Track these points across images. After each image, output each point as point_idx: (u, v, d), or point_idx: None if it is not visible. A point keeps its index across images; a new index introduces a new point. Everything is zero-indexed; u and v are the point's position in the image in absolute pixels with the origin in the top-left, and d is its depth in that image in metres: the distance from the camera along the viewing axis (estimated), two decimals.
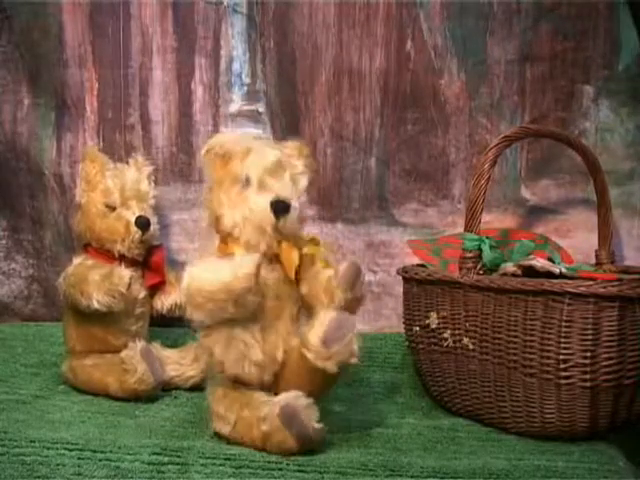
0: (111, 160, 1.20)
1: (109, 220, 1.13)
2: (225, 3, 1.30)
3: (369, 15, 1.28)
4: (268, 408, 0.84)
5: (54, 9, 1.30)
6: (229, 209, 0.90)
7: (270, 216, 0.87)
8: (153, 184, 1.20)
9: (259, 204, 0.88)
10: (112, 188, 1.14)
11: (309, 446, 0.84)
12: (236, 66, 1.32)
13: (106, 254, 1.13)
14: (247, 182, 0.90)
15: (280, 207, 0.88)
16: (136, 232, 1.12)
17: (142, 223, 1.13)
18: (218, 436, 0.90)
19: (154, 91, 1.33)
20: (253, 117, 1.32)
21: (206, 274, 0.84)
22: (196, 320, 0.86)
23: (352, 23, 1.29)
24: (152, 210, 1.18)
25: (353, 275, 0.90)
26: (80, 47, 1.32)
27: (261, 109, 1.32)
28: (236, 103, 1.32)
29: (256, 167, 0.90)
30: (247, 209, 0.89)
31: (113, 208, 1.14)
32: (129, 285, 1.07)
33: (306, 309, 0.92)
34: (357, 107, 1.30)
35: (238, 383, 0.89)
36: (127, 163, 1.20)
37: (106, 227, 1.13)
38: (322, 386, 0.88)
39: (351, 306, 0.90)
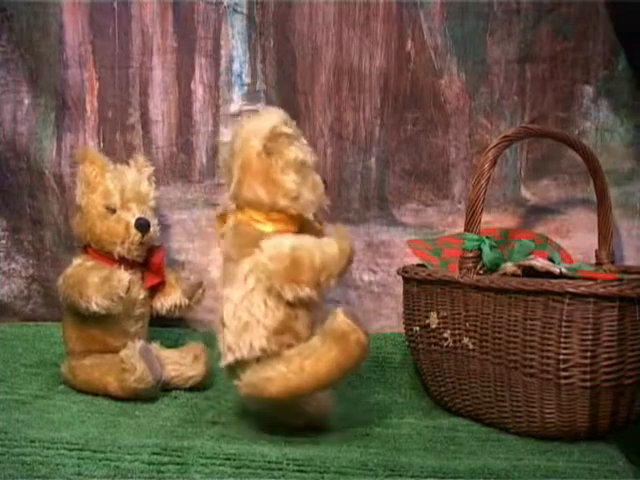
0: (111, 161, 1.20)
1: (109, 222, 1.13)
2: (225, 3, 1.30)
3: (369, 15, 1.28)
4: None
5: (54, 9, 1.30)
6: (304, 188, 0.94)
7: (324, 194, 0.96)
8: (153, 185, 1.20)
9: (318, 182, 0.96)
10: (112, 190, 1.14)
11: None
12: (236, 66, 1.32)
13: (106, 255, 1.13)
14: (304, 164, 0.95)
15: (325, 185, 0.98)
16: (136, 234, 1.12)
17: (142, 225, 1.12)
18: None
19: (154, 91, 1.33)
20: None
21: (312, 245, 0.87)
22: (290, 294, 0.87)
23: (352, 23, 1.29)
24: (152, 211, 1.18)
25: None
26: (80, 47, 1.32)
27: (261, 109, 1.32)
28: (236, 103, 1.32)
29: (308, 151, 0.97)
30: (311, 187, 0.95)
31: (113, 210, 1.13)
32: (128, 288, 1.07)
33: None
34: (357, 107, 1.30)
35: None
36: (127, 164, 1.20)
37: (106, 229, 1.13)
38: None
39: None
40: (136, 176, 1.17)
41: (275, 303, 0.88)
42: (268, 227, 0.93)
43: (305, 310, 0.89)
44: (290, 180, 0.93)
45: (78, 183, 1.17)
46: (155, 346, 1.13)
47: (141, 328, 1.15)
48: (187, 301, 1.17)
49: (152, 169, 1.21)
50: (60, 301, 1.14)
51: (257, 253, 0.89)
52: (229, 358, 0.90)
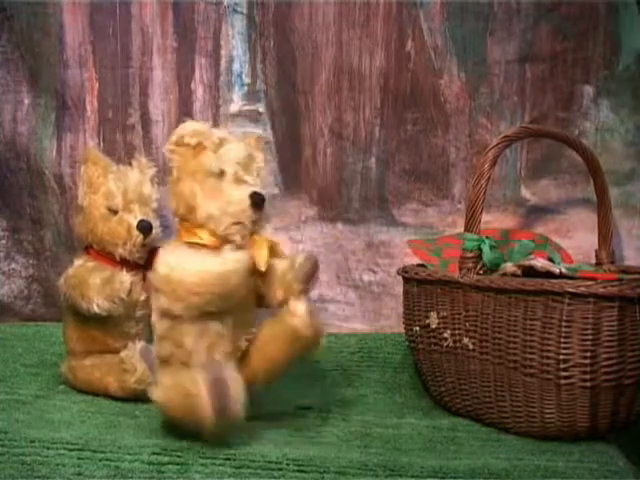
0: (113, 161, 1.19)
1: (111, 224, 1.12)
2: (225, 3, 1.30)
3: (369, 15, 1.28)
4: (196, 374, 0.85)
5: (54, 9, 1.30)
6: (204, 200, 0.90)
7: (249, 208, 0.89)
8: (156, 186, 1.20)
9: (237, 197, 0.90)
10: (115, 191, 1.13)
11: (226, 415, 0.83)
12: (236, 66, 1.32)
13: (107, 256, 1.13)
14: (222, 174, 0.91)
15: (258, 200, 0.90)
16: (138, 236, 1.11)
17: (144, 227, 1.12)
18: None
19: (154, 91, 1.33)
20: (253, 117, 1.32)
21: (192, 265, 0.86)
22: (171, 310, 0.87)
23: (352, 23, 1.29)
24: (154, 213, 1.17)
25: (311, 268, 0.93)
26: (80, 47, 1.32)
27: (261, 109, 1.32)
28: (236, 103, 1.32)
29: (231, 160, 0.91)
30: (225, 201, 0.90)
31: (115, 211, 1.13)
32: (130, 290, 1.07)
33: (259, 299, 0.95)
34: (357, 107, 1.30)
35: None
36: (130, 164, 1.19)
37: (108, 230, 1.12)
38: (296, 355, 0.90)
39: (300, 297, 0.92)
40: (139, 177, 1.17)
41: (159, 314, 0.91)
42: (187, 239, 0.92)
43: (189, 323, 0.88)
44: (185, 192, 0.92)
45: (80, 184, 1.16)
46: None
47: (142, 329, 1.15)
48: None
49: (155, 170, 1.21)
50: (61, 301, 1.14)
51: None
52: None
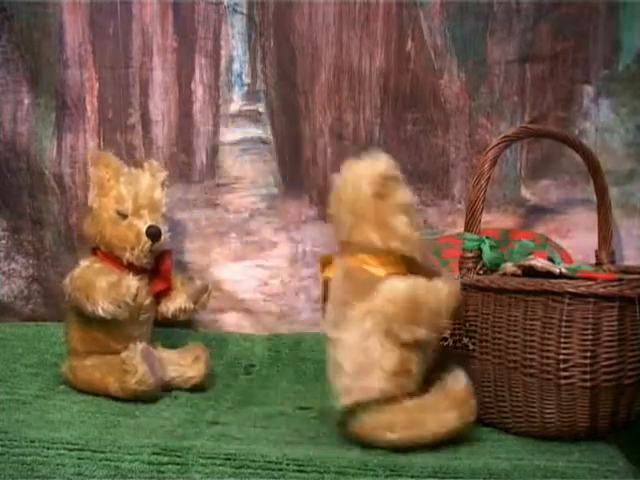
0: (125, 164, 1.18)
1: (120, 228, 1.12)
2: (225, 3, 1.30)
3: (369, 15, 1.28)
4: None
5: (54, 9, 1.30)
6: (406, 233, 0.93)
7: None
8: (165, 190, 1.18)
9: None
10: (125, 195, 1.13)
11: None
12: (236, 66, 1.32)
13: (115, 259, 1.12)
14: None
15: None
16: (146, 242, 1.11)
17: (153, 233, 1.11)
18: None
19: (154, 91, 1.33)
20: (253, 117, 1.32)
21: (431, 289, 0.88)
22: (405, 337, 0.88)
23: (352, 23, 1.29)
24: (163, 218, 1.16)
25: None
26: (80, 47, 1.32)
27: (261, 109, 1.32)
28: (236, 103, 1.32)
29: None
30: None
31: (125, 215, 1.12)
32: (135, 296, 1.06)
33: None
34: (357, 107, 1.30)
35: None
36: (141, 167, 1.18)
37: (117, 234, 1.11)
38: None
39: None
40: (150, 181, 1.16)
41: (391, 345, 0.88)
42: (380, 270, 0.93)
43: (421, 352, 0.90)
44: (402, 223, 0.93)
45: (91, 185, 1.15)
46: (156, 347, 1.13)
47: (145, 332, 1.15)
48: (192, 305, 1.16)
49: (165, 174, 1.20)
50: (62, 300, 1.14)
51: (374, 296, 0.89)
52: (346, 400, 0.89)
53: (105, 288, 1.05)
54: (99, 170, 1.14)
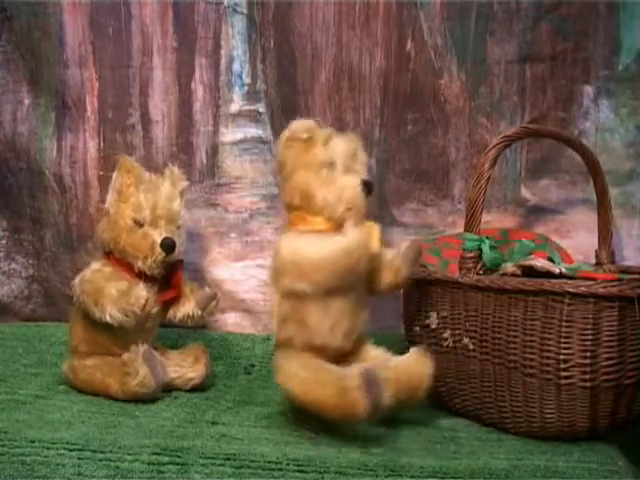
0: (147, 171, 1.16)
1: (135, 236, 1.10)
2: (225, 3, 1.30)
3: (369, 15, 1.28)
4: (349, 370, 0.89)
5: (54, 9, 1.30)
6: (320, 189, 0.98)
7: (361, 194, 0.97)
8: (184, 201, 1.17)
9: (350, 184, 0.98)
10: (144, 204, 1.11)
11: (375, 415, 0.88)
12: (236, 66, 1.32)
13: (127, 265, 1.11)
14: (332, 165, 1.00)
15: (370, 186, 0.98)
16: (160, 254, 1.09)
17: (168, 245, 1.10)
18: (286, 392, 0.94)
19: (154, 91, 1.33)
20: (253, 117, 1.32)
21: (316, 244, 0.92)
22: (296, 289, 0.93)
23: (352, 23, 1.29)
24: (179, 230, 1.14)
25: (415, 252, 1.01)
26: (80, 47, 1.32)
27: (261, 109, 1.32)
28: (236, 103, 1.32)
29: (339, 152, 1.00)
30: (339, 188, 0.98)
31: (141, 224, 1.11)
32: (144, 306, 1.06)
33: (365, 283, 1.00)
34: (357, 107, 1.30)
35: (315, 353, 0.95)
36: (162, 174, 1.17)
37: (131, 242, 1.10)
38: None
39: (406, 282, 1.02)
40: (170, 191, 1.14)
41: (280, 296, 0.97)
42: (302, 227, 0.99)
43: (313, 302, 0.94)
44: (301, 183, 0.99)
45: (110, 189, 1.14)
46: (157, 347, 1.13)
47: (148, 337, 1.13)
48: (200, 312, 1.15)
49: (186, 184, 1.18)
50: (73, 301, 1.12)
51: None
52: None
53: (115, 296, 1.04)
54: (120, 176, 1.13)
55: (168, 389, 1.11)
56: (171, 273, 1.14)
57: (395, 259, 1.00)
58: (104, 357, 1.10)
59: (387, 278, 1.01)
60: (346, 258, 0.91)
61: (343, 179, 0.99)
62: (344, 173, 1.00)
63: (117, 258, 1.12)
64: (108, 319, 1.04)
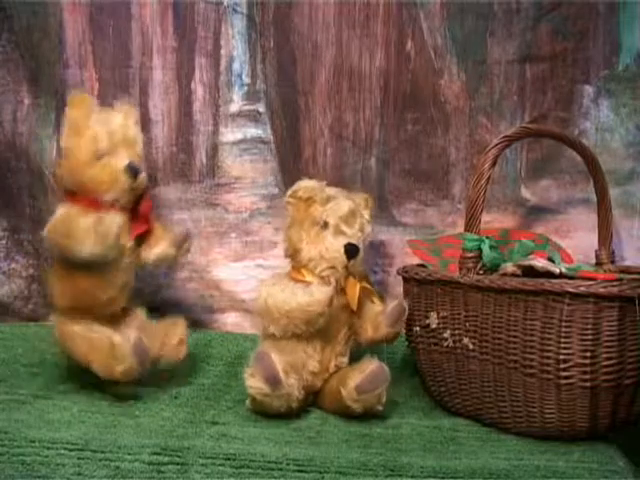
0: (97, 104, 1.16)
1: (96, 168, 1.08)
2: (225, 3, 1.30)
3: (369, 15, 1.28)
4: None
5: (54, 9, 1.30)
6: (307, 245, 1.07)
7: (343, 257, 1.05)
8: (139, 129, 1.16)
9: (334, 245, 1.06)
10: (100, 135, 1.09)
11: None
12: (236, 66, 1.32)
13: (92, 201, 1.08)
14: (325, 225, 1.07)
15: (352, 251, 1.05)
16: (126, 180, 1.08)
17: (132, 169, 1.08)
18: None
19: (154, 91, 1.33)
20: (253, 117, 1.32)
21: (284, 294, 1.02)
22: (269, 331, 1.04)
23: (352, 23, 1.29)
24: (140, 158, 1.13)
25: (398, 313, 1.06)
26: (80, 47, 1.32)
27: (261, 109, 1.32)
28: (236, 103, 1.32)
29: (334, 214, 1.07)
30: (324, 248, 1.06)
31: (100, 156, 1.09)
32: (120, 228, 1.05)
33: (353, 334, 1.09)
34: (357, 107, 1.30)
35: None
36: (112, 108, 1.15)
37: (93, 175, 1.08)
38: (346, 414, 1.02)
39: (390, 338, 1.08)
40: (123, 121, 1.13)
41: (263, 335, 1.08)
42: (294, 275, 1.09)
43: (284, 342, 1.04)
44: (294, 237, 1.09)
45: (65, 127, 1.12)
46: (140, 315, 1.13)
47: (128, 280, 1.12)
48: (174, 251, 1.14)
49: (137, 113, 1.17)
50: (47, 254, 1.10)
51: None
52: None
53: (88, 227, 1.03)
54: (72, 111, 1.11)
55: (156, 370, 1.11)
56: (139, 207, 1.13)
57: (378, 316, 1.07)
58: (91, 327, 1.07)
59: (367, 333, 1.08)
60: (304, 312, 1.01)
61: (329, 240, 1.06)
62: (333, 234, 1.07)
63: (81, 197, 1.10)
64: (86, 253, 1.03)
